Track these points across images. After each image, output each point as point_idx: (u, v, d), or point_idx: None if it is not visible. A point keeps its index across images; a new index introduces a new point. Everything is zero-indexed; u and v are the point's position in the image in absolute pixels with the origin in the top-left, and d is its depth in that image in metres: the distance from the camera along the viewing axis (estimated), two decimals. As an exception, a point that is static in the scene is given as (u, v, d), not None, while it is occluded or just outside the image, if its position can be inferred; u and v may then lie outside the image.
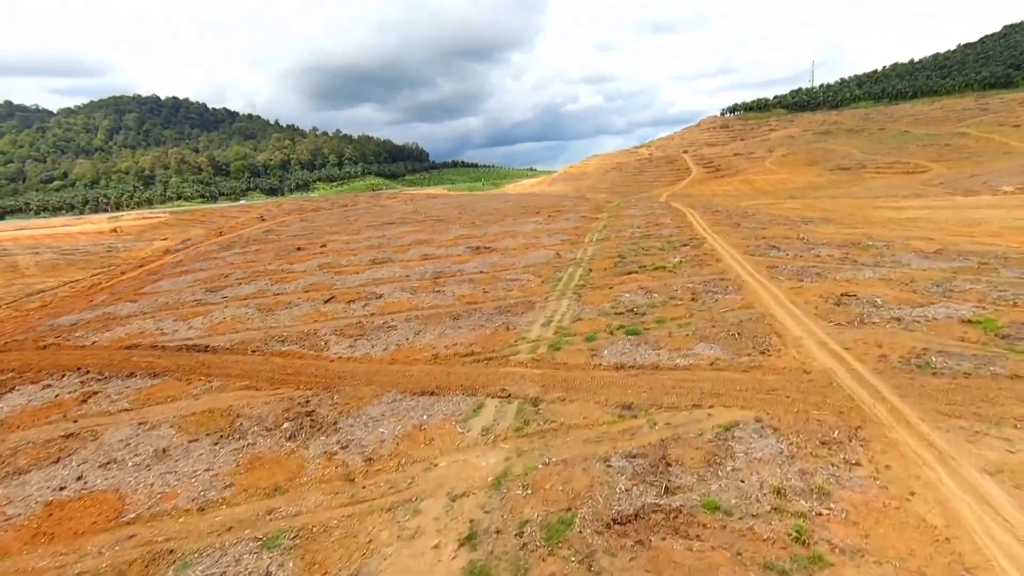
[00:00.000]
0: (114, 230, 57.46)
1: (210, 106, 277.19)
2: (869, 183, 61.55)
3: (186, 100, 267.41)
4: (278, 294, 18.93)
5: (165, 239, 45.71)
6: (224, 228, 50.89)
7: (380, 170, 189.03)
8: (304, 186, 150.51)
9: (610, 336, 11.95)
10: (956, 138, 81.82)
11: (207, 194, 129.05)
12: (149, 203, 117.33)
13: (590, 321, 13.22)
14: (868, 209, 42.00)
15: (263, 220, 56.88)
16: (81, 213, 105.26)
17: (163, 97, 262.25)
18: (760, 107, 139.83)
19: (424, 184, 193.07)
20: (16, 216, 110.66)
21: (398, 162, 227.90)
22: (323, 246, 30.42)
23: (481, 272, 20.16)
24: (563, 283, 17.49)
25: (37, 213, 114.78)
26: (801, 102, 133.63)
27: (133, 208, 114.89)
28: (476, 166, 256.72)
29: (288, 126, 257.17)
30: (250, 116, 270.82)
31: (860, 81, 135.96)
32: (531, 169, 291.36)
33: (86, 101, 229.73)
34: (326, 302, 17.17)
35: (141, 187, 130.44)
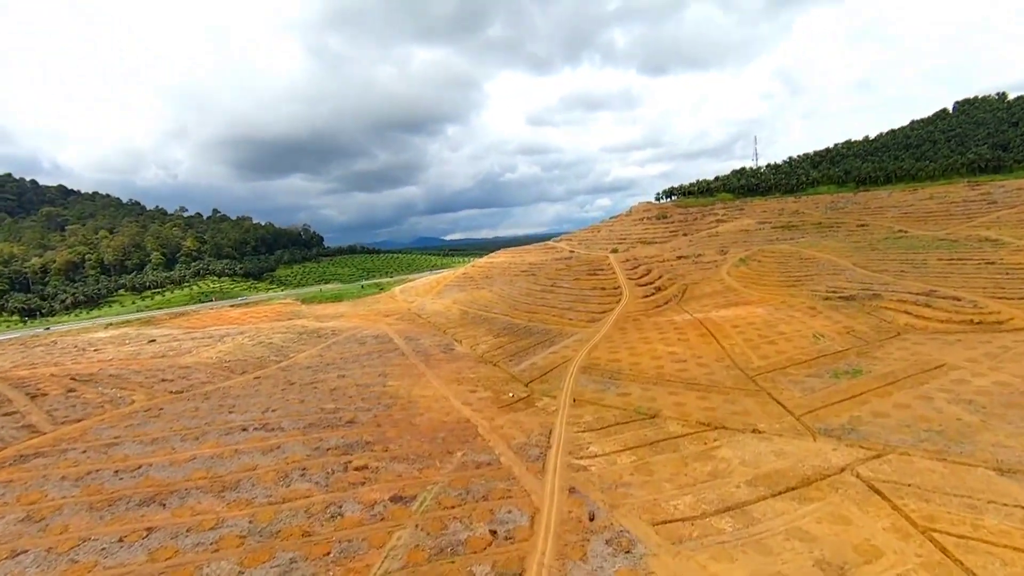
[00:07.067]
0: None
1: (42, 183, 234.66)
2: (917, 352, 33.00)
3: (7, 176, 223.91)
4: None
5: None
6: None
7: (237, 268, 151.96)
8: (96, 299, 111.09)
9: None
10: (991, 248, 58.52)
11: None
12: None
13: None
14: None
15: None
16: None
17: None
18: (701, 191, 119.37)
19: (299, 281, 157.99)
20: None
21: (276, 251, 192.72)
22: None
23: None
24: None
25: None
26: (748, 185, 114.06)
27: None
28: (379, 252, 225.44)
29: (132, 203, 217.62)
30: (93, 196, 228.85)
31: (815, 161, 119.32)
32: (449, 253, 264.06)
33: None
34: None
35: None
